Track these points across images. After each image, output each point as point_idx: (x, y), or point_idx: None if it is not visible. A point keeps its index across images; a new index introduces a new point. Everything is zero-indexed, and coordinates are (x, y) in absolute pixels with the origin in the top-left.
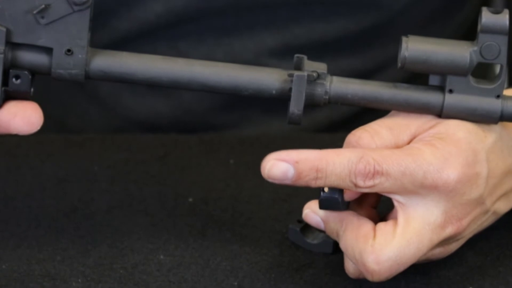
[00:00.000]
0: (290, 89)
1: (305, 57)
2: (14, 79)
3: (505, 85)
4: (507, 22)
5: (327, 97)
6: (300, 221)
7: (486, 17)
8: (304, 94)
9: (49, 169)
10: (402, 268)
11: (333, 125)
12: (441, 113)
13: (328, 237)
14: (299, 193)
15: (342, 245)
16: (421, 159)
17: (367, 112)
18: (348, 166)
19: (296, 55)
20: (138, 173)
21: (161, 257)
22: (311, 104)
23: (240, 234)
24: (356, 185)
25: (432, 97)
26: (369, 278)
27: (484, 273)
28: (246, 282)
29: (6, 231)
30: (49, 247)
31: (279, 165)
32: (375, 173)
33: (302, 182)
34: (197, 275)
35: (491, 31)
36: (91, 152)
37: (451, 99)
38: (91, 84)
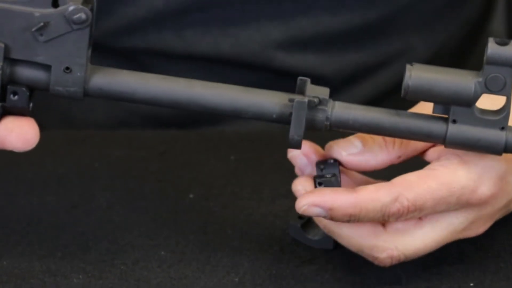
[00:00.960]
0: (291, 113)
1: (308, 80)
2: (11, 96)
3: None
4: None
5: (328, 123)
6: (301, 217)
7: (492, 48)
8: (304, 120)
9: (50, 165)
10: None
11: None
12: (444, 143)
13: None
14: None
15: (349, 232)
16: (456, 185)
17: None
18: (382, 210)
19: (299, 78)
20: (139, 169)
21: (162, 253)
22: (311, 129)
23: (241, 231)
24: (387, 220)
25: (435, 127)
26: (374, 262)
27: (485, 269)
28: (247, 278)
29: (7, 227)
30: (49, 243)
31: (313, 210)
32: (408, 212)
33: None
34: (198, 271)
35: (497, 63)
36: (92, 148)
37: (454, 130)
38: None
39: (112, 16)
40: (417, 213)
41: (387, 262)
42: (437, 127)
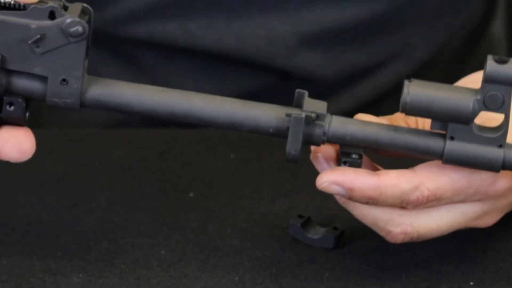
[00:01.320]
0: (288, 128)
1: (306, 93)
2: (8, 106)
3: None
4: None
5: (325, 138)
6: (301, 216)
7: (491, 66)
8: (301, 136)
9: (50, 165)
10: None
11: None
12: (441, 159)
13: (329, 232)
14: (300, 188)
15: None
16: (476, 177)
17: (371, 109)
18: (401, 197)
19: (297, 90)
20: (139, 168)
21: (162, 252)
22: (308, 144)
23: (241, 230)
24: (405, 207)
25: (432, 143)
26: (385, 238)
27: (485, 268)
28: (247, 277)
29: (7, 227)
30: (49, 243)
31: (333, 188)
32: (427, 201)
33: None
34: (198, 271)
35: (496, 81)
36: (92, 147)
37: (452, 146)
38: (92, 73)
39: (115, 4)
40: (435, 203)
41: (399, 238)
42: (435, 144)
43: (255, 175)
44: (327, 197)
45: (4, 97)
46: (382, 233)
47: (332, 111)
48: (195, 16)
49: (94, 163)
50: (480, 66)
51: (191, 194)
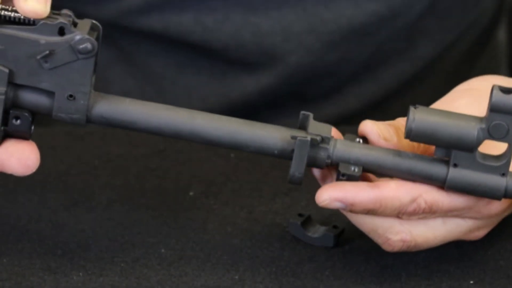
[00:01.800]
0: (293, 150)
1: (311, 115)
2: (14, 120)
3: None
4: None
5: (329, 161)
6: (301, 214)
7: (497, 96)
8: (306, 158)
9: (50, 162)
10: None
11: (341, 119)
12: (444, 185)
13: (329, 230)
14: (300, 187)
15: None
16: (473, 199)
17: (376, 109)
18: (399, 208)
19: (302, 112)
20: (139, 167)
21: (162, 251)
22: (312, 167)
23: (241, 228)
24: (400, 217)
25: (435, 170)
26: (382, 245)
27: (485, 267)
28: (247, 276)
29: (7, 224)
30: (49, 241)
31: (334, 204)
32: (422, 213)
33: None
34: (198, 269)
35: (501, 110)
36: (92, 146)
37: (455, 173)
38: (101, 68)
39: None
40: (429, 215)
41: (397, 246)
42: (438, 170)
43: (255, 174)
44: None
45: (11, 111)
46: (379, 240)
47: (339, 107)
48: (212, 11)
49: (94, 161)
50: (485, 69)
51: (191, 193)
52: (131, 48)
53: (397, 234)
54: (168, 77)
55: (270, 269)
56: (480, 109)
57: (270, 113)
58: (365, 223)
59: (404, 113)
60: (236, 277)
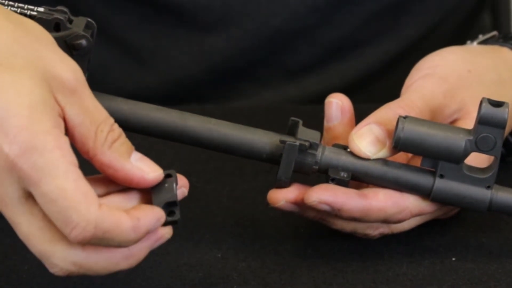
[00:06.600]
0: (281, 155)
1: (300, 121)
2: None
3: None
4: (506, 117)
5: (316, 167)
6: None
7: (486, 109)
8: (293, 163)
9: None
10: None
11: (323, 96)
12: (429, 196)
13: None
14: None
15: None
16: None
17: (359, 87)
18: (384, 218)
19: (291, 118)
20: None
21: None
22: (299, 172)
23: (224, 206)
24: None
25: (422, 180)
26: (362, 238)
27: (467, 243)
28: (230, 254)
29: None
30: None
31: (322, 206)
32: (405, 219)
33: None
34: (181, 248)
35: (490, 123)
36: None
37: (441, 184)
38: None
39: None
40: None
41: (374, 237)
42: (424, 180)
43: None
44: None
45: None
46: (360, 236)
47: (322, 83)
48: None
49: None
50: None
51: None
52: (105, 19)
53: (375, 230)
54: (146, 47)
55: (252, 247)
56: (445, 87)
57: (252, 80)
58: (347, 227)
59: (386, 94)
60: (219, 255)
